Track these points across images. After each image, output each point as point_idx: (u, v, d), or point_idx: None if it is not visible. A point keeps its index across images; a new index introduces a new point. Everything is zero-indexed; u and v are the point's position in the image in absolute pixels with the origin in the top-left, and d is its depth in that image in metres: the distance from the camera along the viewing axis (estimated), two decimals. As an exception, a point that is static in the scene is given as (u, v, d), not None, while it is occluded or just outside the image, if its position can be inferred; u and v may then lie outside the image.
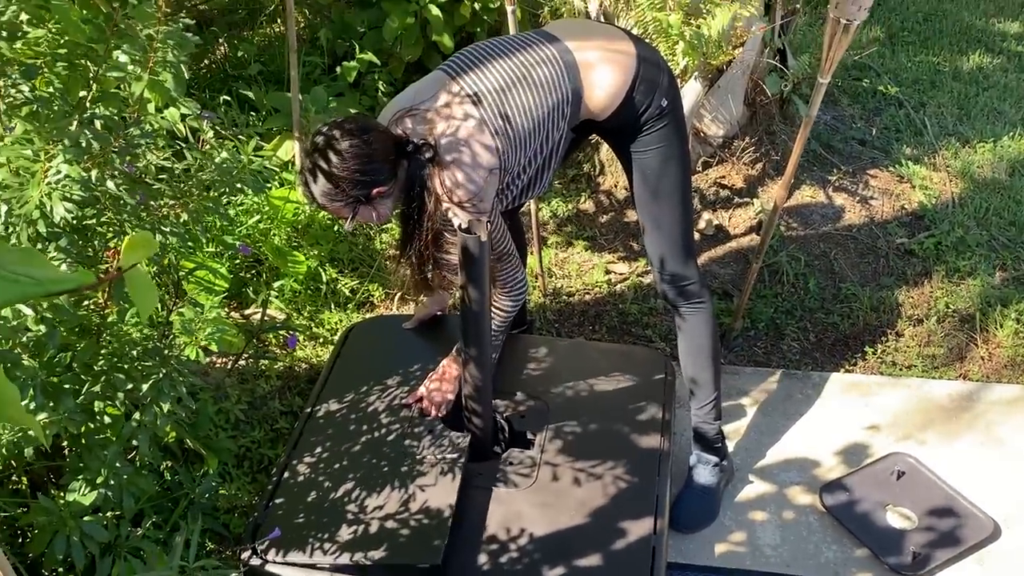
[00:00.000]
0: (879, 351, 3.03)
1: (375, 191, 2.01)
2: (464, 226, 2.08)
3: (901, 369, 2.97)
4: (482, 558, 2.17)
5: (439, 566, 2.11)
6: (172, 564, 1.70)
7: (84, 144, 1.72)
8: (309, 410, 2.56)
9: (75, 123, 1.74)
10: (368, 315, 3.08)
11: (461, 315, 2.23)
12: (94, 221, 1.88)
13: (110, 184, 1.68)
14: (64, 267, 1.64)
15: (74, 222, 1.81)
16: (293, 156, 3.22)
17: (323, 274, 3.07)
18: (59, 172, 1.53)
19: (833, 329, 3.11)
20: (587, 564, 2.16)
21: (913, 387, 2.91)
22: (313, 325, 3.01)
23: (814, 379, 2.95)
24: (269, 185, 3.24)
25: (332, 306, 3.07)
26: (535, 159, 2.21)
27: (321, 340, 2.98)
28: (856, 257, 3.37)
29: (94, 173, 1.63)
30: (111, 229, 1.92)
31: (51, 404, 1.63)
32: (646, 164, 2.24)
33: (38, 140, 1.67)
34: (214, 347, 1.82)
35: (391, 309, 3.12)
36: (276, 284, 3.01)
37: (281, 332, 2.80)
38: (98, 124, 1.86)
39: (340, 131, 1.97)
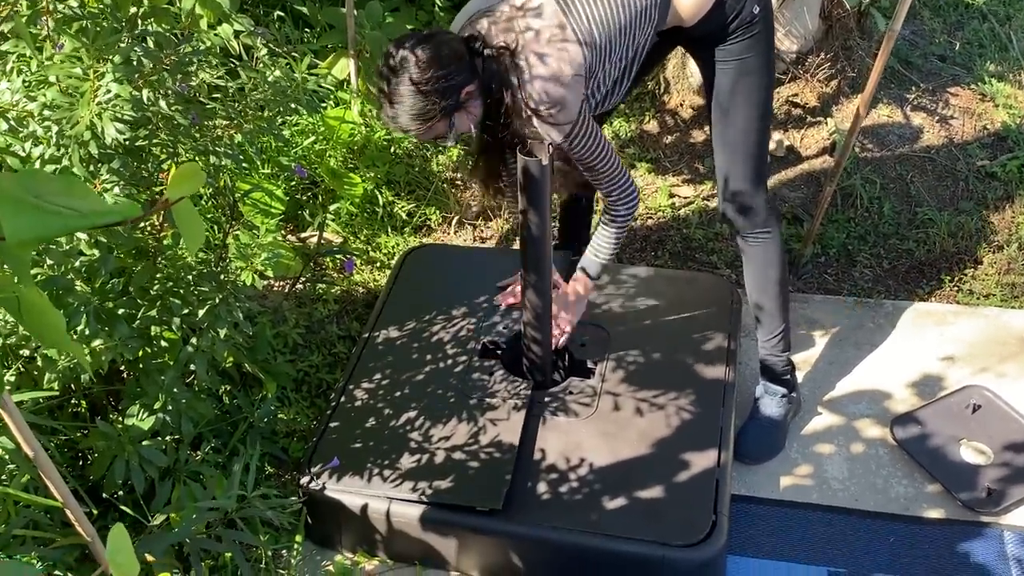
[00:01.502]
0: (956, 279, 2.90)
1: (464, 92, 1.90)
2: (546, 138, 1.99)
3: (979, 298, 2.84)
4: (542, 487, 2.14)
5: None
6: (231, 492, 1.69)
7: (135, 62, 1.66)
8: (367, 336, 2.53)
9: (125, 40, 1.68)
10: (425, 239, 3.03)
11: (520, 240, 2.16)
12: (146, 142, 1.83)
13: (162, 104, 1.62)
14: (117, 189, 1.59)
15: (126, 143, 1.77)
16: (348, 74, 3.14)
17: (380, 197, 3.01)
18: (109, 91, 1.47)
19: (908, 256, 2.98)
20: (649, 495, 2.12)
21: (991, 317, 2.79)
22: (370, 249, 2.96)
23: (887, 308, 2.83)
24: (324, 104, 3.17)
25: (388, 230, 3.02)
26: (615, 67, 2.08)
27: (378, 264, 2.93)
28: (934, 180, 3.21)
29: (146, 92, 1.57)
30: (164, 150, 1.87)
31: (105, 330, 1.61)
32: (726, 76, 2.10)
33: (87, 58, 1.61)
34: (270, 272, 1.78)
35: (448, 233, 3.06)
36: (332, 207, 2.96)
37: (338, 256, 2.76)
38: (149, 41, 1.80)
39: (405, 45, 1.87)
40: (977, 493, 2.29)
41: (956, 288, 2.88)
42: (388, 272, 2.89)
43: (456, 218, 3.09)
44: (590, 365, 2.41)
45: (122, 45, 1.66)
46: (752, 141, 2.17)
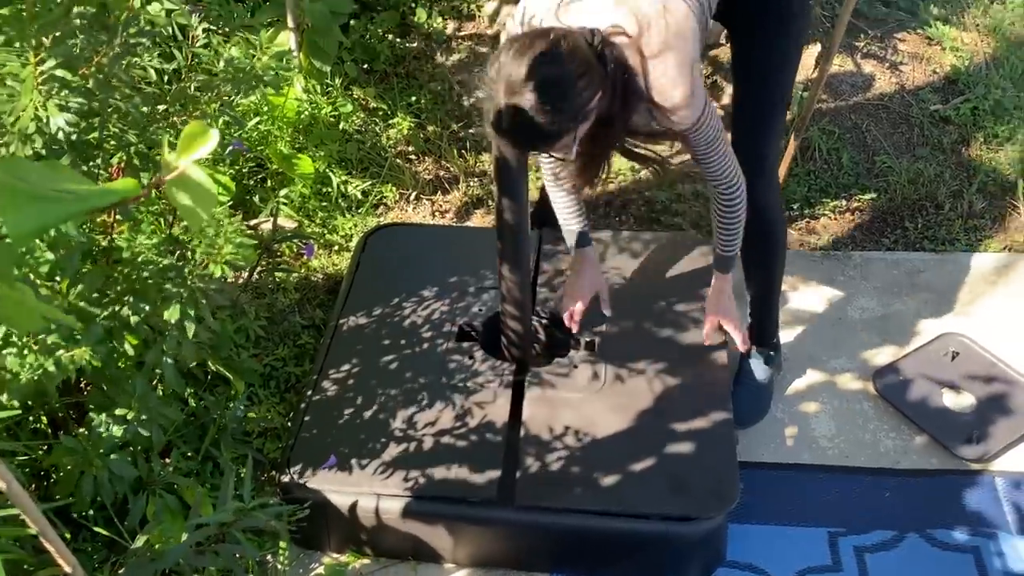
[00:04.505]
0: (920, 225, 2.89)
1: (593, 101, 1.68)
2: (679, 126, 1.84)
3: (944, 243, 2.84)
4: (536, 468, 2.06)
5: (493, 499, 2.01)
6: (226, 507, 1.57)
7: (76, 48, 1.51)
8: (334, 324, 2.42)
9: (63, 24, 1.53)
10: (382, 219, 2.91)
11: (496, 216, 2.07)
12: (96, 135, 1.68)
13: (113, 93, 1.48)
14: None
15: (72, 137, 1.62)
16: (289, 49, 2.98)
17: (332, 177, 2.88)
18: (53, 77, 1.33)
19: (870, 205, 2.96)
20: (670, 470, 2.06)
21: (959, 262, 2.79)
22: (326, 232, 2.84)
23: (855, 259, 2.81)
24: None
25: (344, 211, 2.89)
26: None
27: (336, 248, 2.81)
28: (889, 128, 3.20)
29: (91, 81, 1.43)
30: (114, 144, 1.72)
31: (76, 336, 1.48)
32: (775, 37, 2.05)
33: (23, 43, 1.46)
34: (241, 261, 1.66)
35: (407, 211, 2.95)
36: (283, 191, 2.82)
37: (295, 241, 2.63)
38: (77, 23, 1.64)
39: (529, 60, 1.59)
40: (965, 441, 2.29)
41: (921, 235, 2.87)
42: (348, 256, 2.77)
43: (413, 194, 2.97)
44: (587, 339, 2.32)
45: (58, 33, 1.51)
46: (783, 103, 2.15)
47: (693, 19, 1.79)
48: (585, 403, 2.18)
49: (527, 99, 1.59)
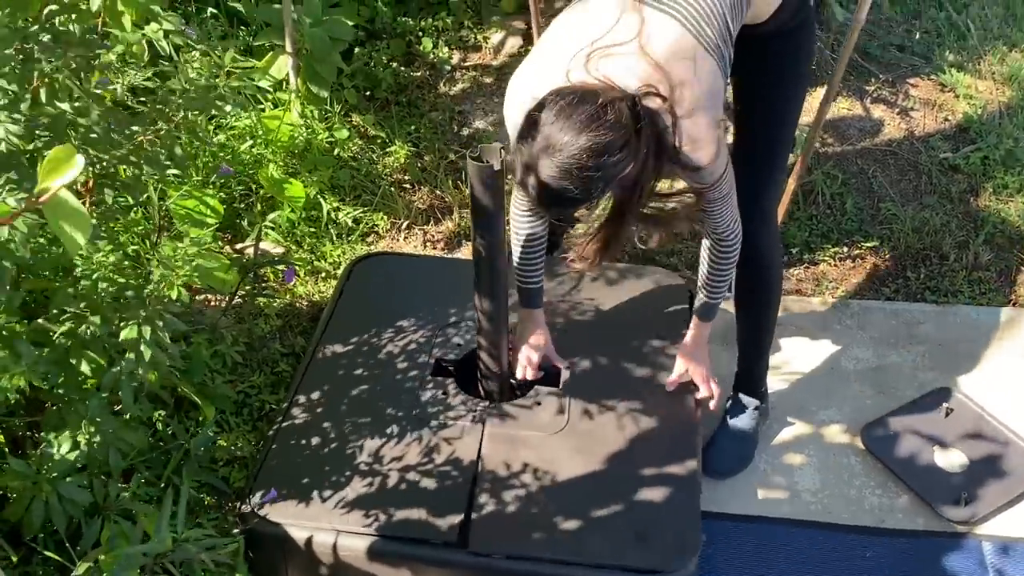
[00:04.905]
0: (922, 275, 2.82)
1: (629, 168, 1.62)
2: (705, 180, 1.81)
3: (946, 295, 2.76)
4: (501, 511, 2.00)
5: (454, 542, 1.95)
6: (161, 536, 1.53)
7: (34, 58, 1.48)
8: (311, 352, 2.38)
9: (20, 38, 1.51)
10: (373, 247, 2.88)
11: (474, 252, 2.02)
12: (41, 147, 1.64)
13: (62, 105, 1.45)
14: (12, 201, 1.42)
15: (13, 149, 1.59)
16: (287, 75, 2.98)
17: (323, 203, 2.85)
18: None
19: (873, 253, 2.89)
20: (631, 516, 1.99)
21: (960, 315, 2.70)
22: (314, 259, 2.81)
23: (853, 308, 2.74)
24: (262, 106, 3.01)
25: (333, 238, 2.86)
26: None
27: (323, 275, 2.78)
28: (896, 175, 3.13)
29: (44, 92, 1.40)
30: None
31: (14, 355, 1.44)
32: (782, 67, 2.01)
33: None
34: (197, 282, 1.62)
35: (398, 240, 2.92)
36: (271, 216, 2.80)
37: (279, 267, 2.60)
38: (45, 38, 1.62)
39: (564, 122, 1.55)
40: (953, 502, 2.20)
41: (923, 286, 2.79)
42: (333, 284, 2.73)
43: (405, 223, 2.94)
44: (555, 373, 2.28)
45: (12, 49, 1.48)
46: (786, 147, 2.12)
47: (720, 75, 1.75)
48: (547, 442, 2.12)
49: (565, 163, 1.54)
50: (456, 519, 1.97)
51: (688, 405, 2.21)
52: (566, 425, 2.16)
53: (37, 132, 1.48)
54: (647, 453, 2.12)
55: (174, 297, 1.64)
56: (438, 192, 3.05)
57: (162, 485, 2.12)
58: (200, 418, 2.23)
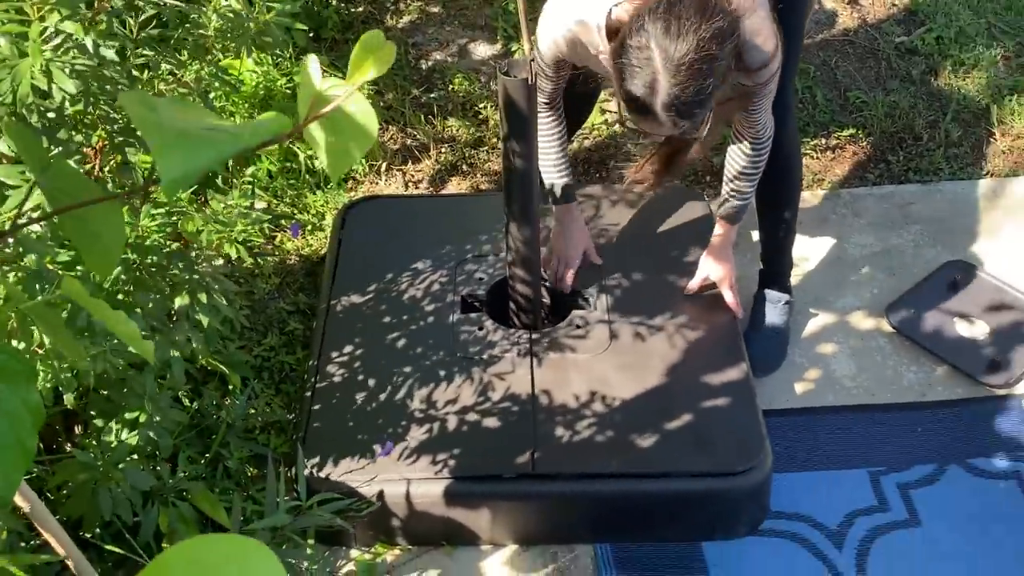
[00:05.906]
0: (902, 158, 2.86)
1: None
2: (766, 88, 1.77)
3: (929, 174, 2.81)
4: (569, 435, 1.95)
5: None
6: (277, 506, 1.42)
7: None
8: (326, 306, 2.26)
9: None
10: (353, 194, 2.74)
11: (504, 171, 1.94)
12: (74, 109, 1.49)
13: (108, 53, 1.29)
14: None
15: (53, 115, 1.43)
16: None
17: (298, 152, 2.69)
18: (60, 33, 1.14)
19: (851, 141, 2.92)
20: (689, 423, 1.97)
21: (946, 191, 2.76)
22: (296, 211, 2.66)
23: (843, 197, 2.76)
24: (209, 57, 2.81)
25: (313, 188, 2.72)
26: None
27: (309, 228, 2.64)
28: (857, 63, 3.16)
29: (90, 39, 1.25)
30: (98, 116, 1.53)
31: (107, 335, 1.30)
32: None
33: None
34: (258, 239, 1.50)
35: (377, 183, 2.79)
36: (248, 170, 2.63)
37: (281, 221, 2.46)
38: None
39: (674, 21, 1.51)
40: (987, 368, 2.26)
41: (905, 167, 2.83)
42: (324, 235, 2.60)
43: (384, 164, 2.81)
44: (589, 296, 2.22)
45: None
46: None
47: None
48: (596, 363, 2.08)
49: (695, 62, 1.51)
50: (527, 450, 1.92)
51: (725, 310, 2.20)
52: (612, 344, 2.12)
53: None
54: (696, 361, 2.10)
55: (233, 256, 1.51)
56: (409, 130, 2.92)
57: (205, 463, 1.99)
58: (229, 387, 2.09)
